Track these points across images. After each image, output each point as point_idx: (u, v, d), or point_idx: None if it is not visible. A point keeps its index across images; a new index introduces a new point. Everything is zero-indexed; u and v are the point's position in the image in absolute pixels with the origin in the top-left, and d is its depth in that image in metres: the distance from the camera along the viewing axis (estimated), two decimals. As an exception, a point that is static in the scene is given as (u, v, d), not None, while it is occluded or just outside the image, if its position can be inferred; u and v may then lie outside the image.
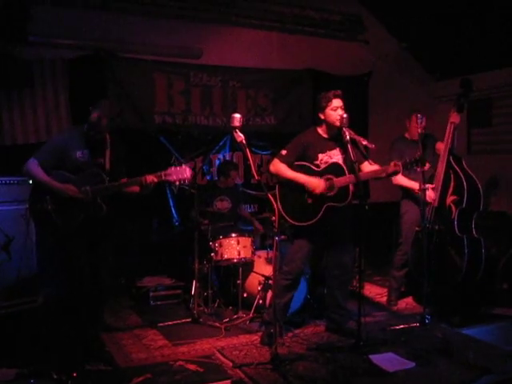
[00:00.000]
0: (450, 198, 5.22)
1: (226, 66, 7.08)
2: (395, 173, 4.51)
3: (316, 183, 4.50)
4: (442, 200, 5.24)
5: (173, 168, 4.11)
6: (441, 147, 5.34)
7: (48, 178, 4.10)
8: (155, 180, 4.10)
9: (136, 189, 4.25)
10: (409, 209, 5.61)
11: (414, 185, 5.27)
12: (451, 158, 5.24)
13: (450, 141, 5.21)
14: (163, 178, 4.09)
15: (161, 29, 6.64)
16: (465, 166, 5.25)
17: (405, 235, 5.66)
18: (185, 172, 4.07)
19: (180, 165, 4.20)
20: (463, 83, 5.29)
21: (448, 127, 5.25)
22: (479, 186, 5.19)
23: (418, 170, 4.63)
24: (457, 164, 5.24)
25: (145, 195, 4.34)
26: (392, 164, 4.44)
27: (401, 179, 5.34)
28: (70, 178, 4.12)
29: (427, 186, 5.09)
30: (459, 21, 6.92)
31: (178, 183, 4.14)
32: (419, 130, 5.01)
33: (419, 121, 5.01)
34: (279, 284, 4.55)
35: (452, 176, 5.24)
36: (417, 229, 5.37)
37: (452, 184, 5.23)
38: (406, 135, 5.67)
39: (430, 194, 5.21)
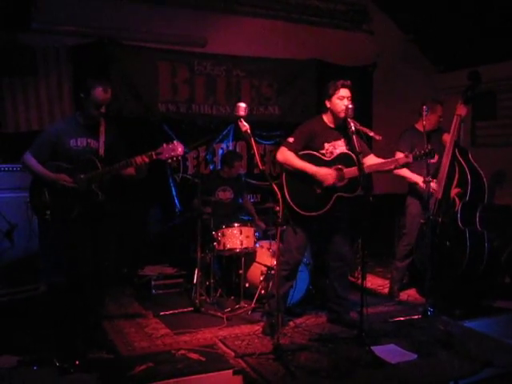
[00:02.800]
0: (454, 191, 5.21)
1: (231, 54, 7.05)
2: (406, 165, 4.51)
3: (326, 174, 4.44)
4: (446, 192, 5.23)
5: (164, 146, 4.02)
6: (447, 139, 5.31)
7: (42, 169, 4.10)
8: (146, 160, 4.02)
9: (132, 171, 4.21)
10: (413, 201, 5.60)
11: (418, 178, 5.26)
12: (457, 150, 5.21)
13: (455, 133, 5.19)
14: (154, 157, 4.02)
15: (165, 17, 6.61)
16: (471, 158, 5.24)
17: (408, 227, 5.65)
18: (176, 149, 4.00)
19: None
20: (471, 75, 5.24)
21: (454, 119, 5.22)
22: (484, 179, 5.18)
23: (430, 161, 4.61)
24: (462, 156, 5.22)
25: (145, 183, 4.31)
26: (403, 156, 4.43)
27: (404, 171, 5.30)
28: (66, 168, 4.10)
29: (430, 178, 5.07)
30: (464, 13, 6.88)
31: (170, 161, 4.07)
32: (424, 122, 5.00)
33: (425, 113, 4.99)
34: (278, 274, 4.54)
35: (457, 168, 5.22)
36: (422, 221, 5.36)
37: (456, 176, 5.21)
38: (417, 126, 5.56)
39: (434, 187, 5.20)
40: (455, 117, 5.22)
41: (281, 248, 4.76)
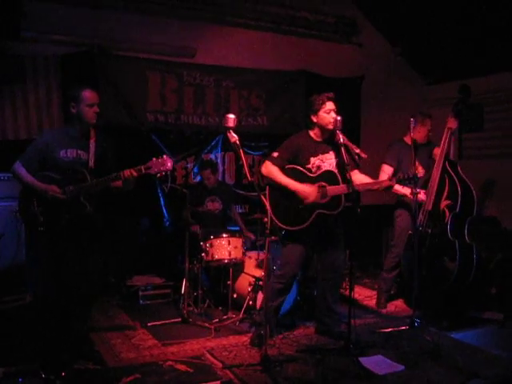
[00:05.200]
0: (443, 203, 5.25)
1: (220, 65, 7.06)
2: (389, 187, 4.54)
3: (308, 192, 4.46)
4: (435, 204, 5.27)
5: (154, 160, 4.05)
6: (437, 152, 5.36)
7: (31, 179, 4.09)
8: (134, 174, 4.04)
9: (119, 184, 4.22)
10: (401, 213, 5.63)
11: (406, 191, 5.30)
12: (447, 163, 5.26)
13: (446, 146, 5.23)
14: (143, 171, 4.05)
15: (155, 27, 6.61)
16: (460, 171, 5.29)
17: (396, 239, 5.68)
18: (166, 163, 4.03)
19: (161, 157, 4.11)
20: (462, 89, 5.31)
21: (445, 132, 5.28)
22: (473, 192, 5.22)
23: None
24: (452, 169, 5.27)
25: (134, 193, 4.32)
26: (387, 179, 4.49)
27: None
28: (55, 179, 4.10)
29: (418, 190, 5.13)
30: (452, 26, 6.95)
31: (158, 175, 4.09)
32: (412, 135, 5.05)
33: (412, 125, 5.05)
34: (272, 287, 4.53)
35: (447, 181, 5.27)
36: (410, 232, 5.39)
37: (446, 189, 5.26)
38: (405, 138, 5.59)
39: (421, 197, 5.25)
40: (446, 130, 5.27)
41: (277, 261, 4.77)
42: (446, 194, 5.26)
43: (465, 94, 5.28)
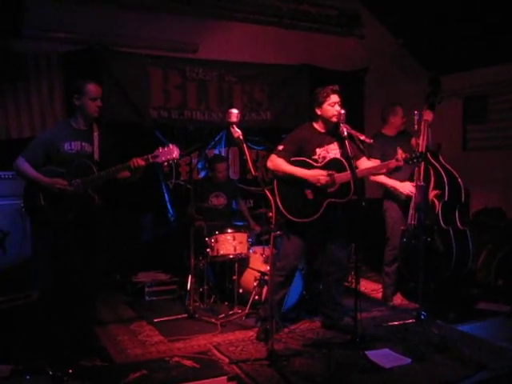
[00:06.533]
0: (432, 193, 5.30)
1: (222, 60, 7.06)
2: (398, 168, 4.51)
3: (318, 175, 4.43)
4: (424, 196, 5.27)
5: (160, 149, 4.07)
6: (414, 143, 5.40)
7: (37, 174, 4.09)
8: (142, 163, 4.07)
9: (126, 174, 4.24)
10: (390, 205, 5.66)
11: (395, 183, 5.32)
12: (428, 154, 5.28)
13: (425, 138, 5.24)
14: (150, 160, 4.07)
15: (157, 23, 6.61)
16: (442, 160, 5.39)
17: (390, 231, 5.69)
18: (172, 152, 4.05)
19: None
20: (432, 82, 5.36)
21: (422, 125, 5.28)
22: (458, 178, 5.31)
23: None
24: (435, 159, 5.36)
25: (138, 189, 4.33)
26: (394, 159, 4.44)
27: (381, 178, 5.34)
28: (60, 173, 4.10)
29: (407, 183, 5.25)
30: (455, 17, 6.91)
31: (166, 164, 4.13)
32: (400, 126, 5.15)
33: (416, 118, 5.09)
34: (273, 280, 4.53)
35: (432, 171, 5.33)
36: (402, 228, 5.43)
37: (432, 179, 5.33)
38: (384, 131, 5.70)
39: (411, 189, 5.27)
40: (422, 122, 5.28)
41: (277, 254, 4.77)
42: (432, 184, 5.32)
43: (435, 86, 5.33)
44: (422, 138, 5.24)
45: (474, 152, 7.49)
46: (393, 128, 5.66)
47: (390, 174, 4.67)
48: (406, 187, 5.32)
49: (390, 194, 5.57)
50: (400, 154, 5.18)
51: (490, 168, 7.14)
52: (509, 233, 6.14)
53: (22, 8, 5.40)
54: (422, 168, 5.21)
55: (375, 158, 5.46)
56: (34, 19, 5.71)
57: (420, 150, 5.23)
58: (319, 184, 4.44)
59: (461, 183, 5.30)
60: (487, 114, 7.56)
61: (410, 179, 5.35)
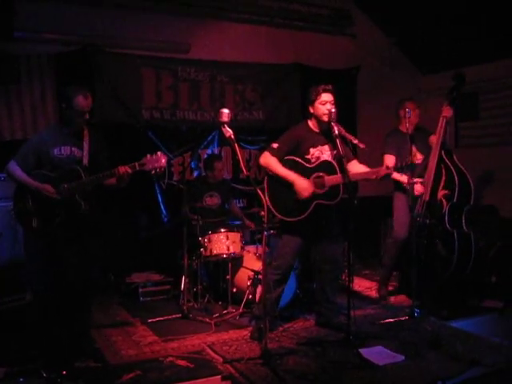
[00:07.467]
0: (441, 192, 5.24)
1: (214, 60, 7.05)
2: (387, 176, 4.53)
3: (303, 188, 4.44)
4: (433, 194, 5.26)
5: (148, 157, 4.02)
6: (433, 140, 5.33)
7: (27, 178, 4.09)
8: (128, 171, 4.02)
9: (113, 181, 4.20)
10: (398, 195, 5.62)
11: (403, 178, 5.29)
12: (443, 152, 5.24)
13: (441, 135, 5.20)
14: (137, 168, 4.02)
15: (148, 23, 6.60)
16: (456, 160, 5.27)
17: (395, 220, 5.67)
18: (160, 160, 3.99)
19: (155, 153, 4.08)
20: (456, 77, 5.25)
21: (440, 121, 5.22)
22: (470, 180, 5.20)
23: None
24: (448, 158, 5.25)
25: (131, 190, 4.31)
26: (384, 167, 4.46)
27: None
28: (50, 177, 4.09)
29: (416, 180, 5.11)
30: (447, 15, 6.93)
31: (153, 172, 4.04)
32: (407, 125, 5.03)
33: (407, 114, 5.03)
34: (269, 279, 4.54)
35: (443, 170, 5.25)
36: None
37: (443, 178, 5.24)
38: (401, 128, 5.54)
39: (418, 188, 5.23)
40: (441, 118, 5.22)
41: (273, 253, 4.78)
42: (442, 183, 5.24)
43: (458, 82, 5.23)
44: (437, 134, 5.21)
45: (466, 149, 7.51)
46: (405, 124, 5.28)
47: (381, 180, 4.63)
48: (416, 188, 5.22)
49: (400, 186, 5.53)
50: (392, 162, 5.22)
51: (482, 165, 7.16)
52: (502, 230, 6.16)
53: (12, 10, 5.39)
54: (434, 165, 5.18)
55: (391, 153, 5.46)
56: (26, 21, 5.71)
57: (435, 146, 5.22)
58: (301, 197, 4.45)
59: (472, 185, 5.20)
60: (479, 111, 7.59)
61: (421, 175, 5.29)
